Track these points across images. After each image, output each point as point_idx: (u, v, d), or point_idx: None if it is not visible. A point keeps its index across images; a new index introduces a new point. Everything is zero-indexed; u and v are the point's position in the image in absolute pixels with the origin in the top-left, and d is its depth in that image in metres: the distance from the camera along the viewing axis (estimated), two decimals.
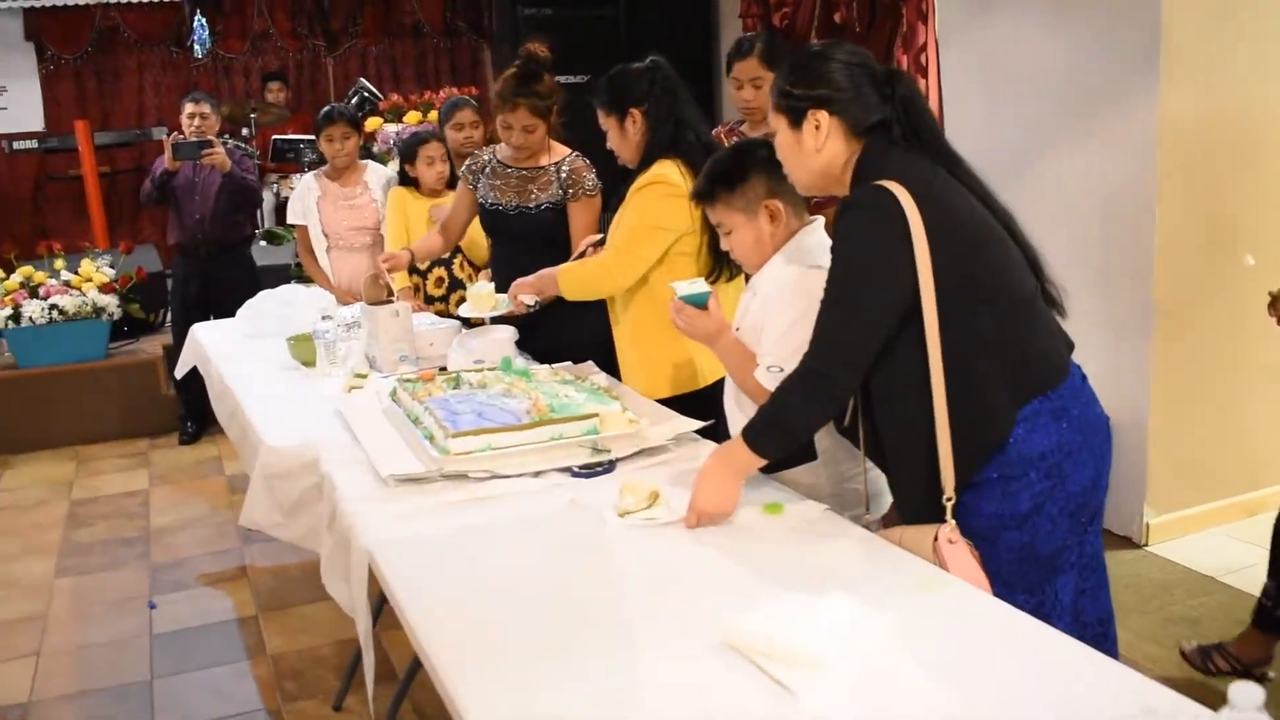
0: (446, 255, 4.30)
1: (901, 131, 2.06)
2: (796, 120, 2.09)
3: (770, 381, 2.31)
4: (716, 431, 2.64)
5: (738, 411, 2.51)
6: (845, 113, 2.06)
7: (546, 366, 3.11)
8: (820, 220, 2.44)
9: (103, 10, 8.62)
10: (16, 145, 8.35)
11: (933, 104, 4.64)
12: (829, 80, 2.06)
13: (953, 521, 1.99)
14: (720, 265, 2.96)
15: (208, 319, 5.14)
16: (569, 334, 3.39)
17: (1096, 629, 2.18)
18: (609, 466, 2.42)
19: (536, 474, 2.40)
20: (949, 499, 2.00)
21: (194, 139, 5.34)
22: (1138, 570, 3.89)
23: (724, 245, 2.49)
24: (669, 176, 2.98)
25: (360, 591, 2.16)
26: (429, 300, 4.39)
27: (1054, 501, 2.04)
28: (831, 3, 5.14)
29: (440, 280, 4.39)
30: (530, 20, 5.85)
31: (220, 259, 5.61)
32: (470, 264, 4.44)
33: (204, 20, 7.20)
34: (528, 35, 5.85)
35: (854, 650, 1.56)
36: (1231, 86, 3.90)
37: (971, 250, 2.01)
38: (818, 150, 2.08)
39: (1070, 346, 2.16)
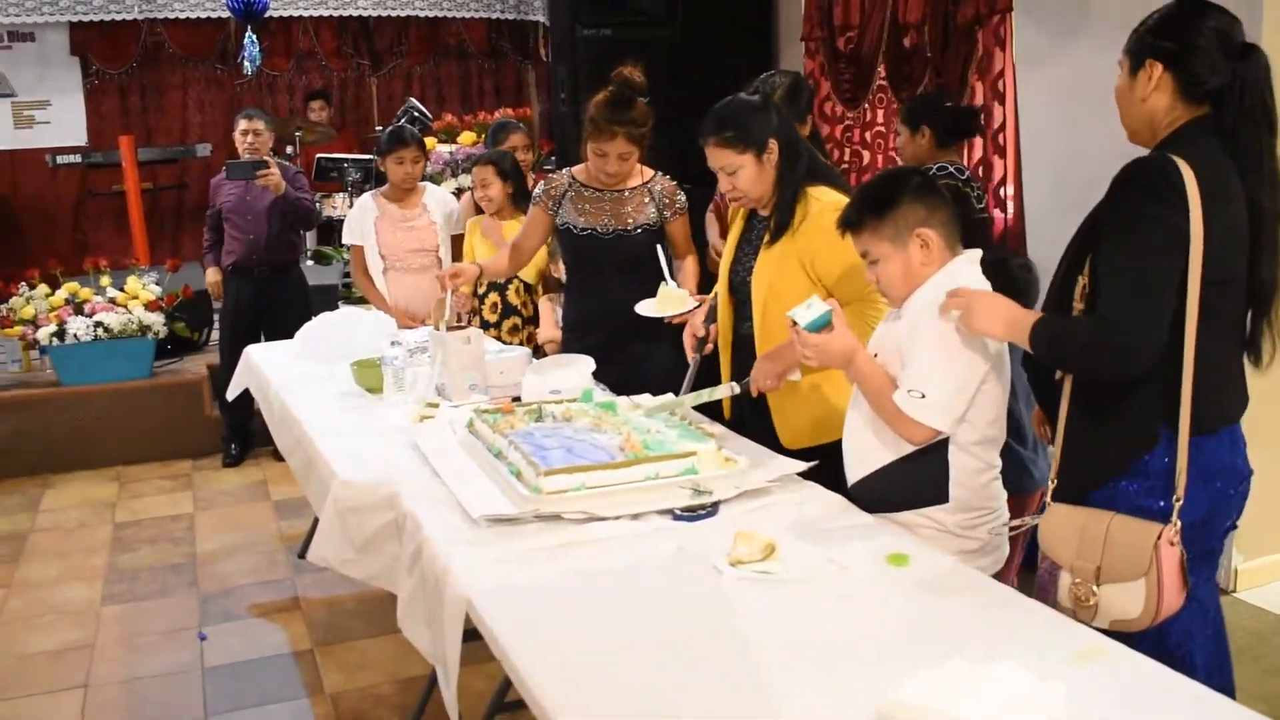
0: (505, 278, 4.19)
1: (1232, 113, 2.05)
2: (1136, 66, 2.13)
3: (910, 407, 2.18)
4: (820, 474, 2.49)
5: (872, 437, 2.32)
6: (1179, 71, 2.07)
7: (626, 399, 2.98)
8: (977, 252, 2.30)
9: (148, 26, 8.61)
10: (60, 159, 8.26)
11: (1009, 132, 4.49)
12: (1177, 35, 2.07)
13: (1178, 523, 2.00)
14: None
15: (257, 340, 5.04)
16: (650, 363, 3.26)
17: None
18: (712, 510, 2.28)
19: (635, 516, 2.26)
20: (1178, 499, 2.01)
21: (248, 157, 5.25)
22: (1228, 618, 3.66)
23: (868, 276, 2.34)
24: (842, 203, 2.73)
25: (453, 640, 2.02)
26: (484, 326, 4.25)
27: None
28: (900, 27, 5.00)
29: (495, 306, 4.26)
30: (589, 41, 5.72)
31: (274, 279, 5.51)
32: (526, 288, 4.32)
33: (254, 37, 7.15)
34: (587, 56, 5.82)
35: None
36: None
37: (1214, 276, 2.00)
38: (1143, 100, 2.12)
39: (1243, 406, 2.18)
